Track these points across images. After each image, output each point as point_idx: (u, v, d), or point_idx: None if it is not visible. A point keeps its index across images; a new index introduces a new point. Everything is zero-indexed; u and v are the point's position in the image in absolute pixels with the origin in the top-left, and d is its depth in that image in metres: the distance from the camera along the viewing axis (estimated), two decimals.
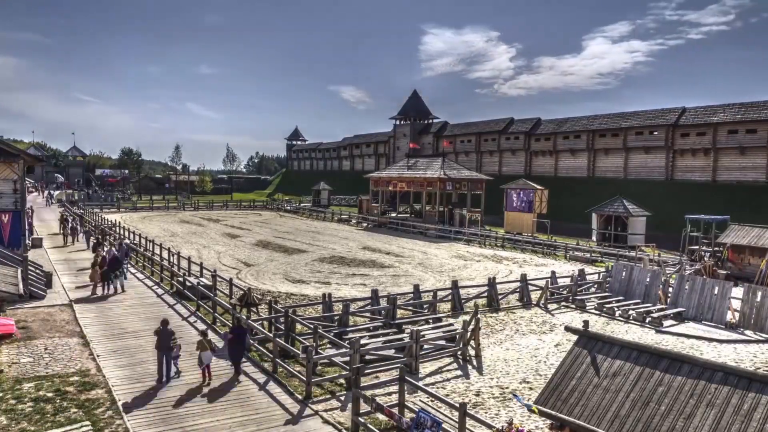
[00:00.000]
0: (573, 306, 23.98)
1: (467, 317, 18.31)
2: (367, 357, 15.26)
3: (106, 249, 26.07)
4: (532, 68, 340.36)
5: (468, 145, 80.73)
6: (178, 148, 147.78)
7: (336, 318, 18.66)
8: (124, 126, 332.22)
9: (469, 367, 15.97)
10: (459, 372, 15.54)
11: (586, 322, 11.82)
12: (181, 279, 23.95)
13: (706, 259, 31.96)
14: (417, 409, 10.72)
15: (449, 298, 22.39)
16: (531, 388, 14.32)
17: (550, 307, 23.76)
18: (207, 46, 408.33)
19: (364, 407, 11.45)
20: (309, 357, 13.20)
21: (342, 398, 13.24)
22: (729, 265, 30.83)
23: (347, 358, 13.81)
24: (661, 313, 21.75)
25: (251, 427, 11.50)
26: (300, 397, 13.13)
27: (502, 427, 10.04)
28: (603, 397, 8.90)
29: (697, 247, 35.17)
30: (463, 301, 22.58)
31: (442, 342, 16.83)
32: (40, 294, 22.37)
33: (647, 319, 21.34)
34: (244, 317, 16.84)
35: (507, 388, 14.40)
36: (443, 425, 10.03)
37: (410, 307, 20.91)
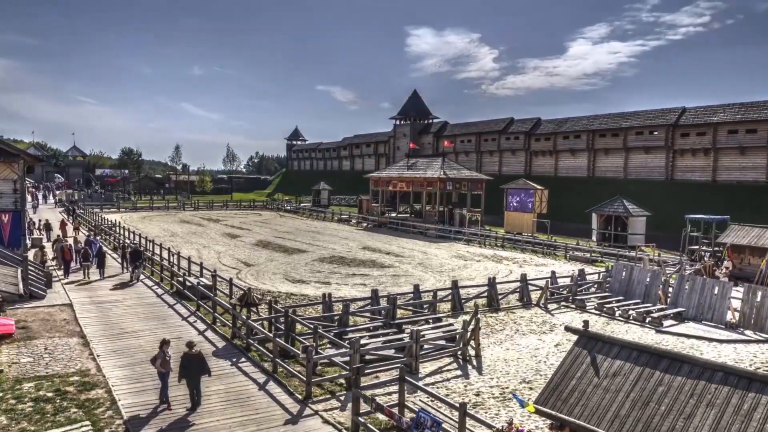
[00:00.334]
0: (573, 306, 23.98)
1: (467, 317, 18.31)
2: (367, 357, 15.26)
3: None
4: (517, 69, 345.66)
5: (468, 145, 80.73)
6: (178, 148, 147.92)
7: (336, 318, 18.66)
8: (122, 127, 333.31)
9: (469, 367, 15.97)
10: (459, 372, 15.54)
11: (586, 322, 11.82)
12: (181, 279, 23.96)
13: (706, 259, 31.95)
14: (417, 409, 10.72)
15: (449, 298, 22.39)
16: (531, 388, 14.32)
17: (550, 307, 23.76)
18: (198, 47, 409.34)
19: (364, 407, 11.45)
20: (309, 357, 13.20)
21: (342, 398, 13.24)
22: (725, 269, 30.77)
23: (347, 358, 13.81)
24: (661, 313, 21.74)
25: (251, 427, 11.50)
26: (300, 397, 13.13)
27: (502, 427, 10.04)
28: (603, 397, 8.89)
29: (697, 247, 35.17)
30: (463, 301, 22.58)
31: (442, 342, 16.83)
32: (40, 294, 22.37)
33: (647, 319, 21.33)
34: (244, 316, 16.85)
35: (507, 388, 14.40)
36: (443, 425, 10.03)
37: (410, 307, 20.91)
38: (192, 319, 19.97)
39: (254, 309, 19.02)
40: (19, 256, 23.46)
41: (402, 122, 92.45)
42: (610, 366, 9.32)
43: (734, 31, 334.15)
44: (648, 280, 24.36)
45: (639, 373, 8.94)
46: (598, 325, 20.90)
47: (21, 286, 21.47)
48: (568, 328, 12.29)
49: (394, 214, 61.89)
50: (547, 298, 24.06)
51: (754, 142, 49.65)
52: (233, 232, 50.16)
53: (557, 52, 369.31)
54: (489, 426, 9.85)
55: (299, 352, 14.15)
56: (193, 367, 12.20)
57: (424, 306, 21.02)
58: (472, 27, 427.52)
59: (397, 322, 19.04)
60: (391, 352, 15.86)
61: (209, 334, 18.14)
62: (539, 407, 9.44)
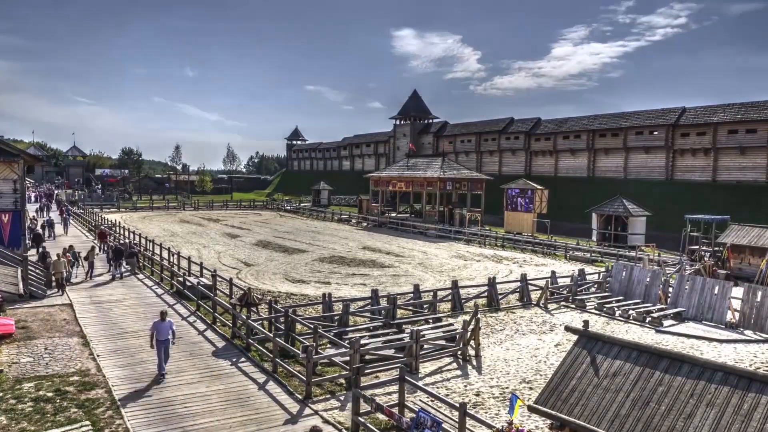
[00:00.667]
0: (573, 306, 23.98)
1: (467, 317, 18.32)
2: (367, 357, 15.26)
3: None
4: (503, 70, 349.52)
5: (468, 144, 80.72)
6: (178, 148, 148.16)
7: (336, 318, 18.66)
8: (120, 127, 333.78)
9: (469, 366, 15.97)
10: (459, 372, 15.54)
11: (586, 322, 11.83)
12: (181, 279, 23.96)
13: (706, 259, 31.95)
14: (417, 409, 10.72)
15: (449, 297, 22.39)
16: (531, 388, 14.32)
17: (550, 307, 23.76)
18: (189, 48, 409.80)
19: (364, 407, 11.45)
20: (309, 357, 13.20)
21: (342, 398, 13.24)
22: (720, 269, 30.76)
23: (347, 358, 13.81)
24: (661, 313, 21.74)
25: (251, 427, 11.50)
26: (300, 396, 13.13)
27: (502, 427, 10.04)
28: (603, 397, 8.89)
29: (697, 247, 35.17)
30: (463, 300, 22.58)
31: (442, 342, 16.83)
32: (40, 294, 22.37)
33: (647, 319, 21.33)
34: (244, 316, 16.86)
35: (507, 388, 14.39)
36: (443, 425, 10.03)
37: (410, 307, 20.91)
38: (192, 318, 19.97)
39: (254, 309, 19.02)
40: (19, 256, 23.46)
41: (402, 122, 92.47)
42: (610, 366, 9.32)
43: (712, 33, 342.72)
44: (648, 280, 24.36)
45: (639, 373, 8.94)
46: (598, 325, 20.90)
47: (21, 286, 21.47)
48: (568, 328, 12.30)
49: (394, 214, 61.89)
50: (547, 298, 24.06)
51: (754, 142, 49.65)
52: (233, 232, 50.16)
53: (540, 53, 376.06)
54: (489, 426, 9.85)
55: (299, 352, 14.14)
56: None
57: (424, 306, 21.02)
58: (452, 29, 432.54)
59: (397, 322, 19.04)
60: (391, 352, 15.85)
61: (209, 333, 18.14)
62: (539, 407, 9.44)
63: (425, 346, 16.20)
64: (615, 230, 43.22)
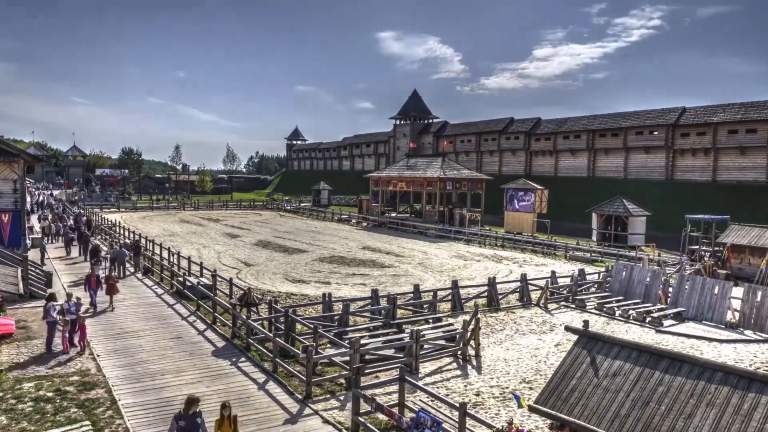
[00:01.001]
0: (573, 306, 23.98)
1: (467, 317, 18.32)
2: (367, 357, 15.26)
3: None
4: (488, 71, 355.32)
5: (468, 144, 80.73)
6: (178, 147, 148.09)
7: (336, 318, 18.66)
8: (117, 127, 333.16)
9: (469, 366, 15.97)
10: (459, 372, 15.54)
11: (586, 322, 11.84)
12: (181, 279, 23.96)
13: (706, 258, 31.95)
14: (417, 409, 10.72)
15: (449, 297, 22.39)
16: (531, 388, 14.32)
17: (550, 306, 23.76)
18: (181, 49, 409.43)
19: (364, 407, 11.45)
20: (309, 357, 13.20)
21: (342, 398, 13.24)
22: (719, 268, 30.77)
23: (347, 358, 13.81)
24: (661, 313, 21.74)
25: (251, 427, 11.50)
26: (300, 396, 13.13)
27: (502, 427, 10.04)
28: (603, 397, 8.89)
29: (697, 247, 35.17)
30: (463, 300, 22.57)
31: (442, 342, 16.83)
32: (40, 294, 22.35)
33: (647, 319, 21.33)
34: (244, 317, 16.85)
35: (507, 388, 14.39)
36: (443, 425, 10.03)
37: (410, 307, 20.90)
38: (192, 318, 19.97)
39: (254, 309, 19.02)
40: (19, 256, 23.46)
41: (402, 122, 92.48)
42: (610, 366, 9.32)
43: (687, 35, 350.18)
44: (648, 280, 24.36)
45: (639, 373, 8.94)
46: (598, 325, 20.90)
47: (21, 286, 21.47)
48: (568, 328, 12.29)
49: (394, 214, 61.89)
50: (547, 298, 24.05)
51: (754, 142, 49.66)
52: (233, 232, 50.16)
53: (522, 55, 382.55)
54: (489, 426, 9.85)
55: (299, 352, 14.14)
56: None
57: (424, 306, 21.01)
58: (430, 31, 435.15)
59: (397, 321, 19.04)
60: (391, 352, 15.85)
61: (209, 333, 18.14)
62: (539, 407, 9.44)
63: (425, 346, 16.20)
64: (615, 230, 43.22)
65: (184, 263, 28.28)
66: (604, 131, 62.52)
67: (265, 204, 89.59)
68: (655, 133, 57.56)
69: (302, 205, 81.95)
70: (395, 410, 11.26)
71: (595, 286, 26.48)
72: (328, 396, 13.37)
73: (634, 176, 59.53)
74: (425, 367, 15.61)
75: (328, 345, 16.40)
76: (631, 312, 22.03)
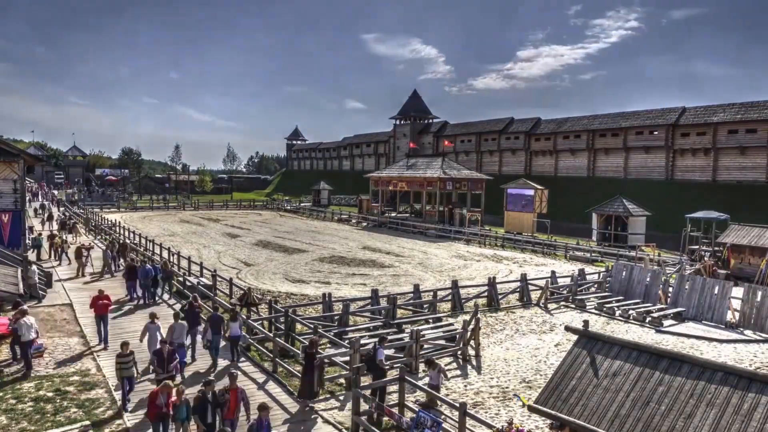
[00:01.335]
0: (573, 306, 23.98)
1: (467, 317, 18.32)
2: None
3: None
4: (473, 72, 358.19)
5: (468, 144, 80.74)
6: (177, 147, 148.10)
7: (336, 318, 18.66)
8: (117, 128, 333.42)
9: (469, 366, 15.97)
10: (459, 372, 15.54)
11: (586, 322, 11.82)
12: (181, 279, 23.94)
13: (706, 258, 31.96)
14: (417, 409, 10.72)
15: (449, 297, 22.39)
16: (531, 388, 14.32)
17: (550, 306, 23.76)
18: (172, 51, 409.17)
19: (364, 407, 11.45)
20: None
21: (342, 398, 13.24)
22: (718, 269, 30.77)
23: (347, 358, 13.81)
24: (661, 313, 21.74)
25: None
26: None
27: (502, 427, 10.04)
28: (603, 397, 8.89)
29: (697, 247, 35.17)
30: (463, 300, 22.57)
31: (442, 342, 16.83)
32: (40, 294, 22.36)
33: (647, 319, 21.33)
34: (244, 316, 16.84)
35: (507, 388, 14.39)
36: (443, 425, 10.03)
37: (410, 307, 20.91)
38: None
39: (254, 309, 19.02)
40: (19, 256, 23.46)
41: (402, 122, 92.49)
42: (610, 366, 9.31)
43: (667, 36, 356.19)
44: (648, 280, 24.36)
45: (639, 372, 8.94)
46: (598, 325, 20.90)
47: (21, 286, 21.45)
48: (568, 328, 12.29)
49: (394, 214, 61.90)
50: (547, 298, 24.05)
51: (754, 142, 49.67)
52: (233, 232, 50.16)
53: (507, 56, 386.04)
54: (489, 426, 9.85)
55: (299, 352, 14.15)
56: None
57: (424, 306, 21.01)
58: (413, 33, 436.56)
59: (397, 321, 19.04)
60: (390, 352, 15.85)
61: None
62: (539, 407, 9.44)
63: (425, 346, 16.20)
64: (615, 230, 43.22)
65: (184, 263, 28.27)
66: (604, 131, 62.53)
67: (265, 204, 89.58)
68: (655, 133, 57.57)
69: (302, 205, 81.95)
70: (395, 410, 11.26)
71: (595, 286, 26.49)
72: (328, 396, 13.37)
73: (634, 176, 59.54)
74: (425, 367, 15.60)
75: (328, 345, 16.40)
76: (631, 312, 22.03)
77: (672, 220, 45.88)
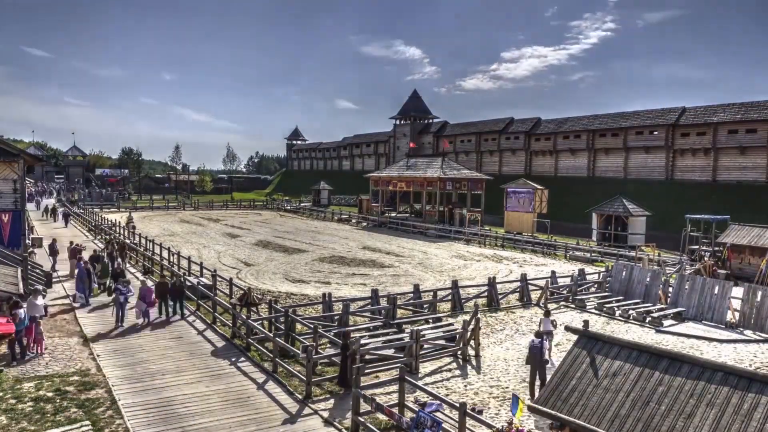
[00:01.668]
0: (573, 306, 23.98)
1: (467, 317, 18.31)
2: (367, 357, 15.25)
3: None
4: (459, 73, 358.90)
5: (468, 144, 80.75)
6: (177, 147, 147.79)
7: (336, 318, 18.65)
8: (114, 129, 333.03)
9: (469, 366, 15.97)
10: (459, 372, 15.53)
11: (586, 322, 11.82)
12: (181, 278, 23.92)
13: (706, 258, 31.96)
14: (417, 409, 10.72)
15: (449, 297, 22.39)
16: None
17: (550, 306, 23.74)
18: (164, 52, 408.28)
19: (364, 407, 11.45)
20: (309, 357, 13.20)
21: (341, 398, 13.23)
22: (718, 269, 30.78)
23: None
24: (661, 313, 21.74)
25: (251, 427, 11.50)
26: (300, 396, 13.13)
27: (502, 427, 10.05)
28: (603, 397, 8.89)
29: (697, 247, 35.17)
30: (463, 300, 22.57)
31: (442, 342, 16.82)
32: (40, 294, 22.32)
33: (647, 319, 21.33)
34: (244, 316, 16.86)
35: (507, 388, 14.39)
36: (443, 425, 10.03)
37: (410, 307, 20.90)
38: (192, 318, 19.96)
39: (254, 309, 19.02)
40: (19, 256, 23.45)
41: (402, 122, 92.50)
42: (610, 366, 9.32)
43: (644, 38, 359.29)
44: (648, 280, 24.35)
45: (639, 372, 8.94)
46: (598, 325, 20.89)
47: (21, 286, 21.44)
48: (568, 328, 12.28)
49: (394, 214, 61.90)
50: (547, 298, 24.04)
51: (754, 142, 49.67)
52: (233, 232, 50.16)
53: (492, 57, 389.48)
54: (489, 426, 9.85)
55: (299, 352, 14.15)
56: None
57: (424, 306, 21.01)
58: (396, 35, 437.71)
59: (397, 321, 19.03)
60: (390, 352, 15.85)
61: (209, 333, 18.14)
62: (539, 407, 9.44)
63: (425, 346, 16.20)
64: (615, 230, 43.22)
65: (184, 263, 28.27)
66: (604, 131, 62.53)
67: (265, 204, 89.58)
68: (655, 133, 57.57)
69: (302, 205, 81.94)
70: (395, 410, 11.26)
71: (595, 286, 26.48)
72: (328, 396, 13.37)
73: (634, 176, 59.54)
74: (425, 367, 15.61)
75: (328, 345, 16.39)
76: (631, 312, 22.02)
77: (672, 220, 45.88)
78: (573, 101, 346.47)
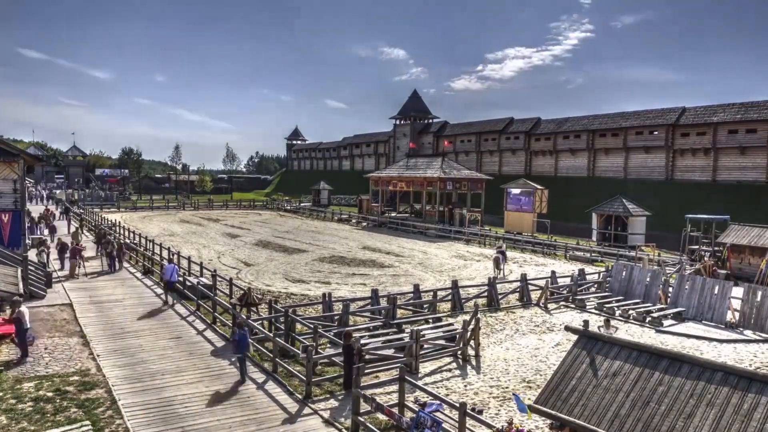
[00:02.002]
0: (573, 306, 23.98)
1: (467, 317, 18.32)
2: (367, 357, 15.25)
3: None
4: (447, 74, 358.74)
5: (468, 144, 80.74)
6: (177, 147, 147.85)
7: (336, 318, 18.66)
8: (112, 129, 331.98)
9: (469, 366, 15.97)
10: (459, 372, 15.54)
11: (586, 322, 11.84)
12: (181, 278, 23.93)
13: (706, 258, 31.96)
14: (417, 409, 10.72)
15: (449, 297, 22.39)
16: (531, 388, 14.32)
17: (550, 306, 23.75)
18: (158, 53, 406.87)
19: (364, 407, 11.45)
20: (309, 356, 13.20)
21: (341, 398, 13.24)
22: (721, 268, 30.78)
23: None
24: (661, 313, 21.74)
25: (251, 427, 11.50)
26: (300, 396, 13.13)
27: (502, 427, 10.05)
28: (603, 397, 8.89)
29: (697, 247, 35.17)
30: (463, 300, 22.57)
31: (442, 342, 16.83)
32: (40, 294, 22.38)
33: (647, 319, 21.33)
34: (244, 316, 16.85)
35: (507, 388, 14.40)
36: (443, 425, 10.03)
37: (410, 307, 20.90)
38: (191, 318, 19.97)
39: (254, 309, 19.02)
40: (19, 256, 23.45)
41: (402, 122, 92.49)
42: (610, 366, 9.32)
43: (620, 40, 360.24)
44: (648, 280, 24.36)
45: (639, 373, 8.94)
46: (598, 325, 20.88)
47: (21, 285, 21.45)
48: (568, 328, 12.30)
49: (394, 214, 61.90)
50: (547, 298, 24.05)
51: (754, 142, 49.66)
52: (233, 232, 50.16)
53: (476, 58, 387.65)
54: (489, 426, 9.85)
55: (299, 352, 14.15)
56: None
57: (424, 306, 21.01)
58: (379, 36, 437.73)
59: (397, 321, 19.04)
60: (390, 352, 15.85)
61: (209, 333, 18.14)
62: (539, 407, 9.44)
63: (425, 346, 16.20)
64: (615, 230, 43.22)
65: (184, 263, 28.27)
66: (604, 131, 62.52)
67: (265, 204, 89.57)
68: (655, 133, 57.56)
69: (302, 205, 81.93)
70: (395, 410, 11.26)
71: (595, 286, 26.49)
72: (328, 396, 13.37)
73: (634, 176, 59.53)
74: (425, 367, 15.61)
75: (328, 345, 16.40)
76: (631, 312, 22.03)
77: (672, 220, 45.86)
78: (562, 102, 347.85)
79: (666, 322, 21.11)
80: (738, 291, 22.17)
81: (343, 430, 11.52)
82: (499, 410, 12.86)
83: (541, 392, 9.82)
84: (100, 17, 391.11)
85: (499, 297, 23.75)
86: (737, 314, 21.04)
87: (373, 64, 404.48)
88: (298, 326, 17.37)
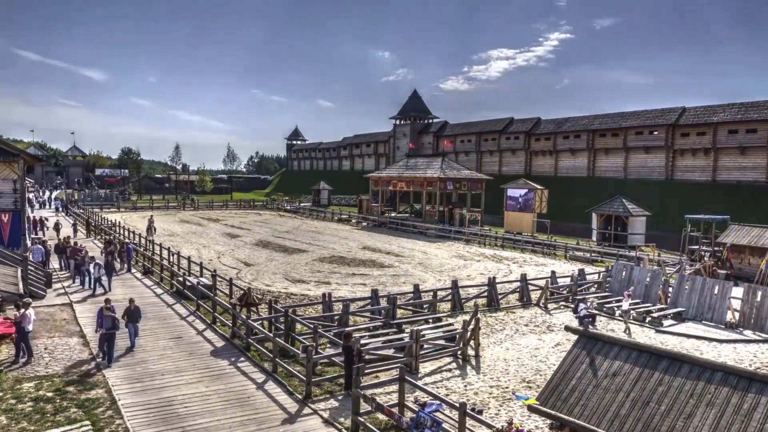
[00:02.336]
0: (573, 306, 23.95)
1: (467, 317, 18.31)
2: (367, 357, 15.24)
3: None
4: (435, 75, 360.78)
5: (468, 144, 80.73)
6: (177, 147, 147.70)
7: (336, 318, 18.66)
8: (112, 129, 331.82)
9: (469, 366, 15.97)
10: (458, 372, 15.53)
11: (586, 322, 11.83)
12: (180, 279, 23.95)
13: (706, 258, 31.95)
14: (417, 409, 10.72)
15: (449, 297, 22.39)
16: (531, 388, 14.32)
17: (550, 306, 23.75)
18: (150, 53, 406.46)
19: (364, 407, 11.45)
20: (309, 357, 13.20)
21: (341, 398, 13.24)
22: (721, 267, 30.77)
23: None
24: (661, 313, 21.74)
25: (251, 427, 11.50)
26: (300, 396, 13.13)
27: (502, 427, 10.05)
28: (603, 397, 8.89)
29: (697, 247, 35.16)
30: (463, 300, 22.57)
31: (442, 342, 16.82)
32: (40, 294, 22.37)
33: (647, 319, 21.33)
34: (244, 316, 16.85)
35: (507, 388, 14.39)
36: (443, 425, 10.03)
37: (410, 307, 20.90)
38: (191, 318, 19.96)
39: (254, 309, 19.02)
40: (19, 256, 23.46)
41: (402, 122, 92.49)
42: (610, 366, 9.32)
43: (599, 42, 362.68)
44: (648, 280, 24.35)
45: (639, 373, 8.94)
46: (599, 325, 20.88)
47: (21, 285, 21.44)
48: (568, 328, 12.31)
49: (394, 214, 61.89)
50: (547, 298, 24.04)
51: (754, 142, 49.66)
52: (233, 232, 50.15)
53: (462, 60, 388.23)
54: (489, 426, 9.85)
55: (299, 352, 14.15)
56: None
57: (424, 306, 21.01)
58: (365, 38, 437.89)
59: (397, 321, 19.04)
60: (390, 352, 15.85)
61: (209, 333, 18.14)
62: (539, 407, 9.45)
63: (425, 346, 16.20)
64: (615, 230, 43.22)
65: (184, 263, 28.27)
66: (604, 131, 62.52)
67: (265, 204, 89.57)
68: (655, 133, 57.56)
69: (302, 205, 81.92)
70: (395, 410, 11.26)
71: (595, 286, 26.48)
72: (328, 396, 13.37)
73: (634, 176, 59.52)
74: (425, 367, 15.61)
75: (328, 345, 16.40)
76: (631, 312, 22.01)
77: (672, 220, 45.86)
78: (551, 101, 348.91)
79: (666, 322, 21.11)
80: (738, 291, 22.17)
81: (343, 430, 11.52)
82: (499, 410, 12.86)
83: (541, 392, 9.82)
84: (94, 17, 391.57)
85: (499, 297, 23.75)
86: (737, 314, 21.04)
87: (360, 64, 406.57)
88: (298, 326, 17.36)
